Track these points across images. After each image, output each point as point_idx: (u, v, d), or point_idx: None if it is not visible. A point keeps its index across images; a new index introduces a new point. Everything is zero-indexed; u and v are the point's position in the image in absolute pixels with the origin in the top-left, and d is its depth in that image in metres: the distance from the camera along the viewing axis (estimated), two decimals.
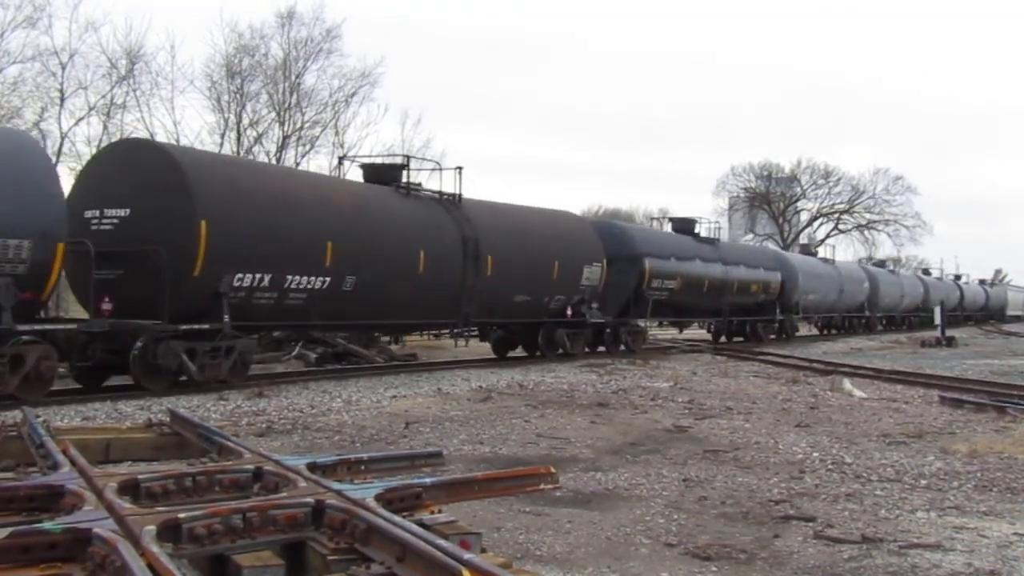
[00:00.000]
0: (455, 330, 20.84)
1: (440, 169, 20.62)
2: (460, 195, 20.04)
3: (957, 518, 6.75)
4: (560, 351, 22.60)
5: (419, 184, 19.78)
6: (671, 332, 35.79)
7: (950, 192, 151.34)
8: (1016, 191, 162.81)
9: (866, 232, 71.71)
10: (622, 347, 25.08)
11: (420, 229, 18.20)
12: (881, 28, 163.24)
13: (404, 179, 19.27)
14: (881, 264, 54.48)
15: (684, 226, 30.98)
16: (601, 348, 24.67)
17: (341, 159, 23.87)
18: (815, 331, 43.77)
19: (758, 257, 35.57)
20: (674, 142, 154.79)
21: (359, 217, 16.95)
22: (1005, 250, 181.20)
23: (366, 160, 20.93)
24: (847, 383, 16.62)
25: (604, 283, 23.66)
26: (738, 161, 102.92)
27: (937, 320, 39.12)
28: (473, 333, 23.08)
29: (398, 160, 20.30)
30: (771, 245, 62.23)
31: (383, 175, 19.10)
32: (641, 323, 26.44)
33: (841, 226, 72.02)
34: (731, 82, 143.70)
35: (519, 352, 23.67)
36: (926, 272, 66.12)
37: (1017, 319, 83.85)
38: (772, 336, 35.04)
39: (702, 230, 31.29)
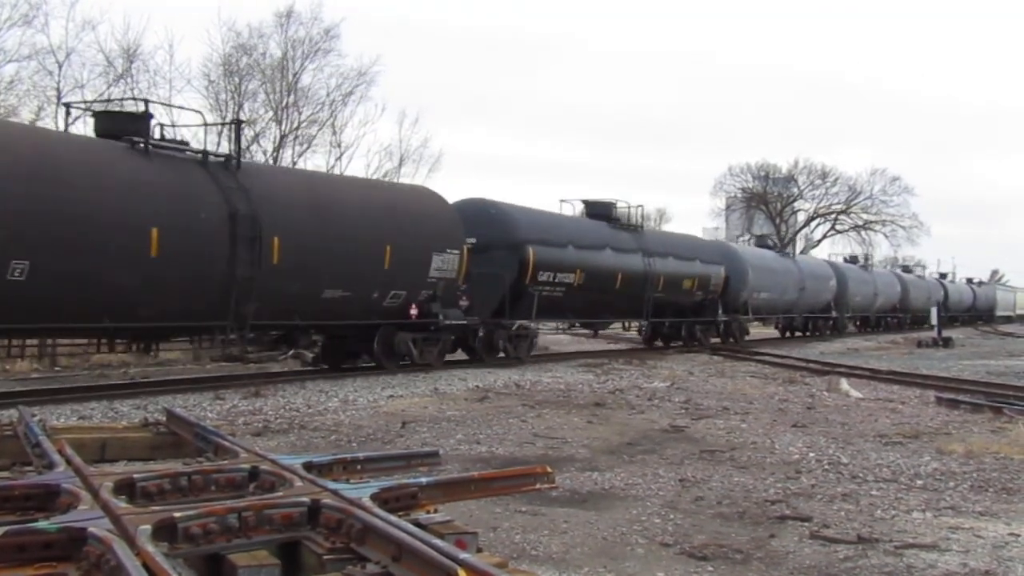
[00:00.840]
0: (223, 336, 15.05)
1: (207, 125, 17.75)
2: (237, 157, 15.69)
3: (953, 518, 6.76)
4: (406, 361, 18.12)
5: (184, 142, 15.62)
6: (585, 335, 32.28)
7: (948, 193, 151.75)
8: (1014, 191, 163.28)
9: (863, 233, 71.77)
10: (501, 355, 20.76)
11: (156, 199, 13.60)
12: (879, 28, 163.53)
13: (173, 139, 15.20)
14: (853, 260, 49.73)
15: (598, 210, 25.99)
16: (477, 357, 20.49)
17: (67, 105, 18.11)
18: (776, 333, 39.97)
19: (695, 248, 30.39)
20: (673, 142, 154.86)
21: (44, 181, 12.32)
22: (1003, 250, 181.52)
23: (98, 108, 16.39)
24: (844, 383, 16.65)
25: (465, 275, 19.15)
26: (736, 161, 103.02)
27: (933, 321, 39.15)
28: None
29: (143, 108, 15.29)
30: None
31: (118, 126, 14.36)
32: (532, 325, 22.17)
33: (838, 226, 72.09)
34: (730, 82, 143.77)
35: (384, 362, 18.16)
36: (906, 269, 62.50)
37: (1007, 320, 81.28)
38: (716, 339, 30.77)
39: (630, 216, 26.89)
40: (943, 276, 69.38)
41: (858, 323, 48.40)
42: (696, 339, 29.39)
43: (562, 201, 25.80)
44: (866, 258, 53.88)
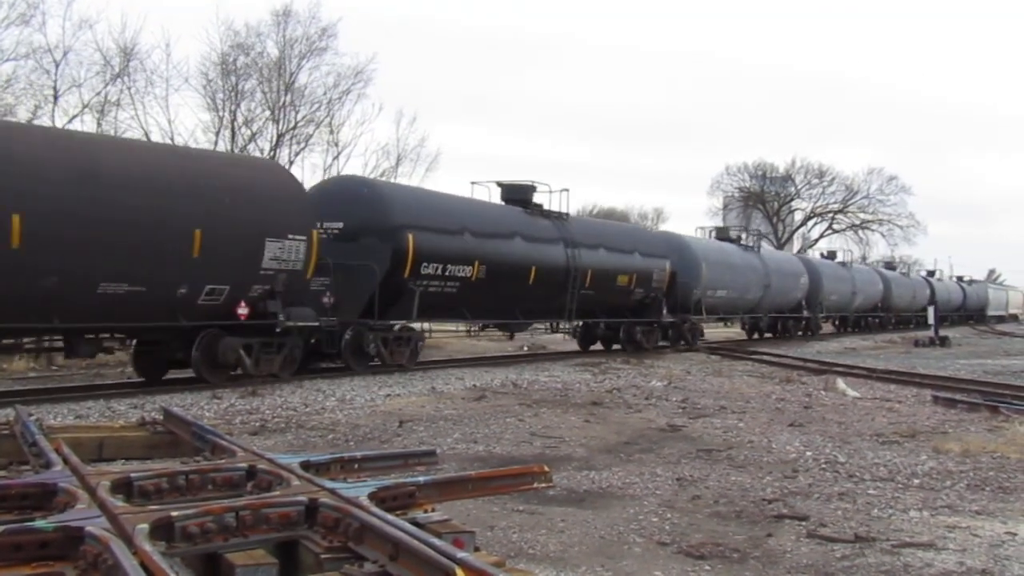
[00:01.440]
0: None
1: None
2: None
3: (950, 517, 6.77)
4: (238, 371, 14.96)
5: None
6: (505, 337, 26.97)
7: (945, 192, 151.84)
8: (1012, 191, 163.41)
9: (860, 232, 71.88)
10: (376, 361, 17.71)
11: None
12: (877, 28, 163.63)
13: None
14: (831, 256, 46.56)
15: (514, 195, 22.64)
16: (332, 364, 17.44)
17: None
18: (743, 335, 37.42)
19: (633, 239, 26.54)
20: (671, 141, 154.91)
21: None
22: (1000, 250, 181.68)
23: None
24: (841, 382, 16.66)
25: (315, 266, 15.78)
26: (734, 160, 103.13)
27: (930, 320, 39.16)
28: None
29: None
30: (765, 245, 62.30)
31: None
32: (417, 327, 19.14)
33: (835, 226, 72.22)
34: (728, 81, 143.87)
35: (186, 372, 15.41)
36: (889, 266, 59.72)
37: (1000, 319, 79.09)
38: (665, 343, 27.60)
39: (551, 202, 23.15)
40: (931, 274, 67.04)
41: (836, 323, 45.84)
42: (635, 342, 25.85)
43: (473, 183, 22.74)
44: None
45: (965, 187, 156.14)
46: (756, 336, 37.03)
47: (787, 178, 71.19)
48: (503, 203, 22.55)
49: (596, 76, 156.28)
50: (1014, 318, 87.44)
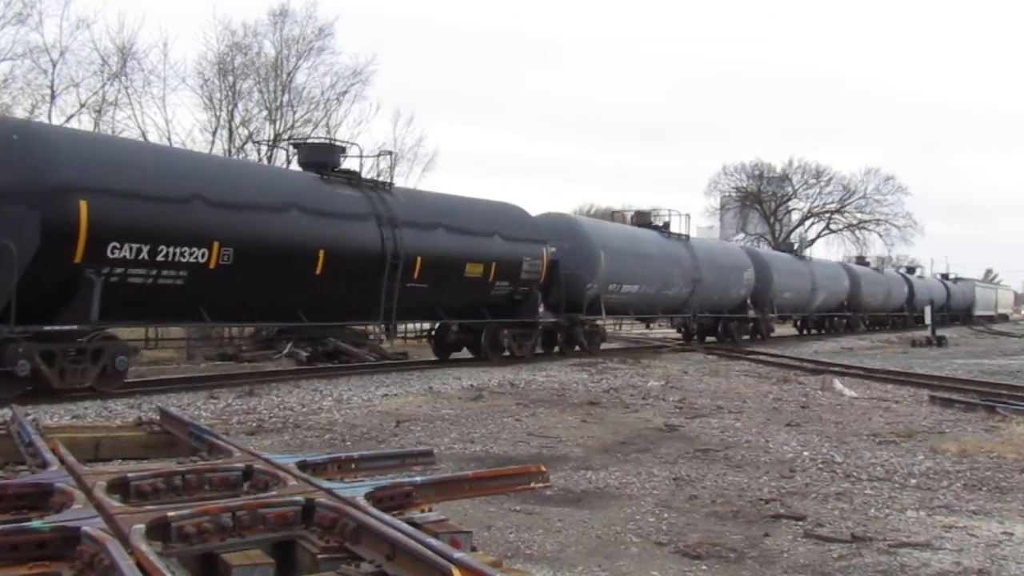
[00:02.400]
0: None
1: None
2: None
3: (946, 517, 6.77)
4: None
5: None
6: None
7: (942, 192, 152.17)
8: (1009, 191, 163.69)
9: (857, 232, 71.90)
10: (30, 385, 12.36)
11: None
12: (874, 28, 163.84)
13: None
14: (788, 249, 41.63)
15: (314, 157, 17.51)
16: None
17: None
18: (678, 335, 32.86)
19: (492, 219, 20.79)
20: (669, 141, 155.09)
21: None
22: (997, 250, 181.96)
23: None
24: (837, 382, 16.66)
25: None
26: (731, 160, 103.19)
27: (927, 320, 39.16)
28: None
29: None
30: (763, 246, 62.29)
31: None
32: (112, 332, 13.66)
33: (832, 226, 72.24)
34: (725, 81, 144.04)
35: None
36: (861, 261, 54.47)
37: (989, 319, 74.50)
38: (537, 350, 22.15)
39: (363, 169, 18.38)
40: (911, 270, 62.75)
41: (797, 324, 41.53)
42: (503, 347, 20.89)
43: (271, 146, 18.95)
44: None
45: (963, 187, 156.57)
46: (696, 339, 32.03)
47: (784, 178, 71.19)
48: (299, 169, 17.82)
49: (594, 76, 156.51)
50: (1004, 318, 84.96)
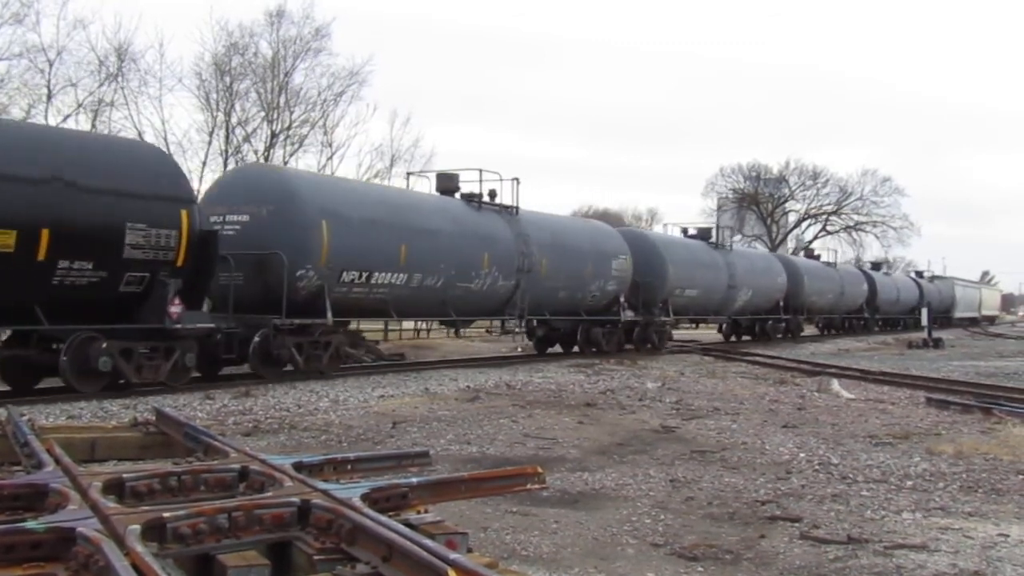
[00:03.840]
0: None
1: None
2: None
3: (942, 519, 6.77)
4: None
5: None
6: None
7: (939, 193, 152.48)
8: (1006, 192, 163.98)
9: (854, 233, 72.01)
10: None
11: None
12: (872, 28, 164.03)
13: None
14: (704, 237, 32.34)
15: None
16: None
17: None
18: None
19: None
20: (666, 142, 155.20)
21: None
22: (995, 251, 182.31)
23: None
24: (834, 384, 16.68)
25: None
26: (728, 162, 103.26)
27: (923, 322, 39.19)
28: None
29: None
30: (759, 246, 62.25)
31: None
32: None
33: (829, 227, 72.38)
34: (722, 82, 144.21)
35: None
36: (810, 255, 47.47)
37: (972, 322, 69.06)
38: (288, 367, 15.87)
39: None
40: (876, 267, 55.80)
41: (722, 328, 35.31)
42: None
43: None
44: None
45: (962, 187, 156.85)
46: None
47: (781, 179, 71.35)
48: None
49: (594, 76, 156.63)
50: (990, 321, 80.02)
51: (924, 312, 40.32)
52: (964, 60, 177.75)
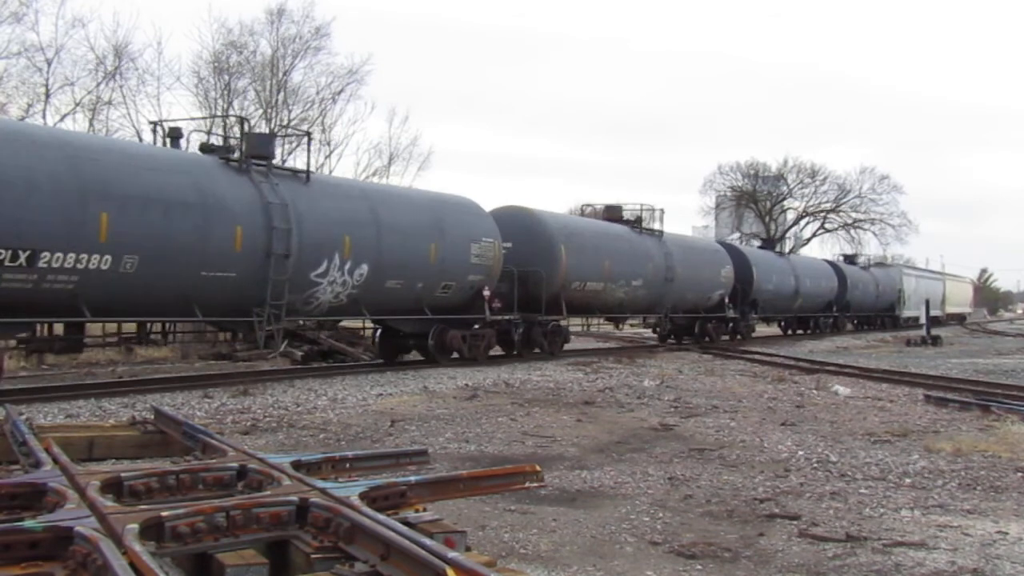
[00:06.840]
0: None
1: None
2: None
3: (941, 516, 6.78)
4: None
5: None
6: None
7: (939, 190, 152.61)
8: (1003, 190, 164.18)
9: (852, 231, 71.97)
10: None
11: None
12: (870, 29, 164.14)
13: None
14: (619, 220, 27.16)
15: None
16: None
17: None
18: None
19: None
20: (668, 140, 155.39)
21: None
22: (993, 248, 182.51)
23: None
24: (833, 382, 16.68)
25: None
26: (726, 160, 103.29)
27: (922, 320, 39.17)
28: None
29: None
30: (757, 244, 62.20)
31: None
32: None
33: (827, 225, 72.34)
34: (724, 81, 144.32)
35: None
36: (768, 244, 42.90)
37: (936, 322, 51.55)
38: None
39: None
40: (850, 260, 48.52)
41: (664, 329, 30.54)
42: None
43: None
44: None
45: (960, 186, 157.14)
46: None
47: (779, 177, 71.25)
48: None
49: (593, 75, 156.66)
50: (959, 319, 67.77)
51: (923, 309, 40.18)
52: (963, 60, 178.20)
